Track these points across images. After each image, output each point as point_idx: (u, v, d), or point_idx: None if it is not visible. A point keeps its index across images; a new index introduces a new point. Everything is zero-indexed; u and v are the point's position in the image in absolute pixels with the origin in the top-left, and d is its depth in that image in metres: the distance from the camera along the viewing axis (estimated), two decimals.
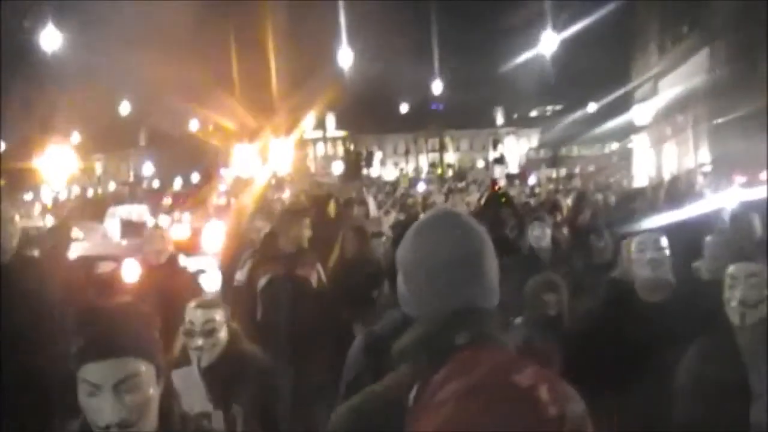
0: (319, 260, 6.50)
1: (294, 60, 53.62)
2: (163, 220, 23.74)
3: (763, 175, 19.89)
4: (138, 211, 25.11)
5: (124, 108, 50.90)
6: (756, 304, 3.29)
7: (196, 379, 3.79)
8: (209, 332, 3.84)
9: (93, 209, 26.38)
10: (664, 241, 4.29)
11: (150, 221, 21.11)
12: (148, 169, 68.14)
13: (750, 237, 7.10)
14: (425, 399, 1.72)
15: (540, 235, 6.75)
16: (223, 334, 3.89)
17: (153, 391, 2.10)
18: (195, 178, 61.92)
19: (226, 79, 53.15)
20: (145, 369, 2.07)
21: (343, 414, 1.90)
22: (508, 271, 5.52)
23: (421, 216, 2.42)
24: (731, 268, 3.39)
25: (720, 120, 25.50)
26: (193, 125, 57.58)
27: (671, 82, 33.92)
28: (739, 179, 20.38)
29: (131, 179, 65.64)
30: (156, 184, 61.82)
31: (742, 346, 3.31)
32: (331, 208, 9.71)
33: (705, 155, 27.83)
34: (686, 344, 3.50)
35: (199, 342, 3.82)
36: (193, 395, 3.64)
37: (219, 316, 3.90)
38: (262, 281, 5.98)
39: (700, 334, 3.50)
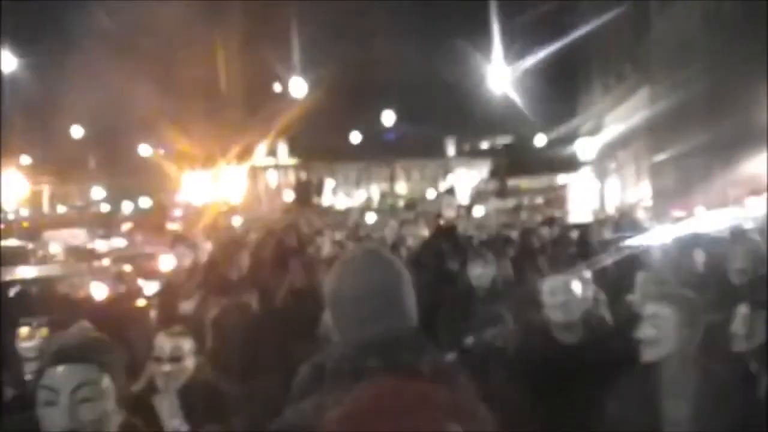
0: (270, 288, 6.72)
1: (246, 88, 53.70)
2: (119, 242, 23.72)
3: (698, 211, 20.61)
4: (75, 235, 25.04)
5: (76, 131, 50.53)
6: (655, 343, 3.38)
7: (174, 401, 3.98)
8: (177, 359, 4.07)
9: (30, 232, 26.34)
10: (575, 285, 4.39)
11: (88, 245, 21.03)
12: (97, 193, 67.28)
13: (677, 272, 7.46)
14: (322, 424, 1.88)
15: (480, 274, 6.60)
16: (189, 362, 4.14)
17: (110, 408, 2.13)
18: (144, 202, 61.40)
19: (178, 104, 52.98)
20: (104, 382, 2.11)
21: (274, 429, 2.16)
22: (447, 304, 5.89)
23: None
24: (638, 307, 3.65)
25: (659, 157, 26.21)
26: (144, 150, 57.19)
27: (614, 119, 34.66)
28: (677, 214, 21.08)
29: (79, 203, 64.74)
30: (105, 208, 61.17)
31: (654, 382, 3.38)
32: (292, 239, 9.93)
33: (646, 190, 28.51)
34: (601, 383, 3.56)
35: (167, 368, 4.04)
36: (172, 415, 3.87)
37: (186, 344, 4.15)
38: (213, 311, 6.06)
39: (615, 372, 3.57)
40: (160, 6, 40.18)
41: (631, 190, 31.82)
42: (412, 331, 2.16)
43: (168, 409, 3.97)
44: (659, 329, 3.36)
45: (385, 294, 2.12)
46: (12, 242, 20.39)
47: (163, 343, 4.12)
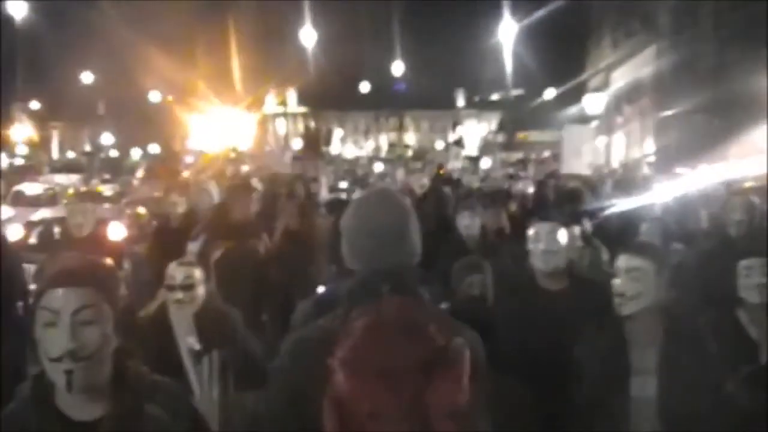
0: (267, 233, 6.83)
1: (257, 35, 53.55)
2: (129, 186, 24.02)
3: (702, 168, 20.90)
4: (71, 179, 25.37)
5: (86, 77, 50.68)
6: (634, 297, 3.40)
7: (190, 322, 4.15)
8: (189, 287, 4.21)
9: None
10: (560, 232, 4.36)
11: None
12: (106, 139, 67.50)
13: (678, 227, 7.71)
14: (347, 331, 2.18)
15: (469, 224, 6.62)
16: (201, 291, 4.27)
17: (109, 333, 2.16)
18: (153, 149, 61.59)
19: (189, 52, 52.90)
20: (105, 306, 2.15)
21: (290, 340, 2.42)
22: (441, 252, 6.00)
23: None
24: (618, 261, 3.53)
25: (665, 113, 26.41)
26: (154, 97, 57.22)
27: (622, 75, 34.77)
28: (681, 171, 21.37)
29: (89, 149, 64.92)
30: (114, 154, 61.38)
31: (628, 332, 3.43)
32: (296, 187, 10.19)
33: (650, 146, 28.76)
34: (582, 331, 3.62)
35: (180, 295, 4.19)
36: (188, 335, 4.05)
37: (198, 273, 4.28)
38: (217, 253, 6.15)
39: (595, 321, 3.61)
40: None
41: (636, 145, 32.03)
42: (416, 263, 2.47)
43: (183, 329, 4.14)
44: (640, 282, 3.39)
45: (395, 228, 2.42)
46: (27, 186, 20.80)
47: (175, 272, 4.24)
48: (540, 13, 36.00)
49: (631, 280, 3.40)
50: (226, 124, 51.10)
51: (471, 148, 63.06)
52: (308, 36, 38.52)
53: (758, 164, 17.47)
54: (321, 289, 4.85)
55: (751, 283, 3.94)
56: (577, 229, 5.67)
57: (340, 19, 50.11)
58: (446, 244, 6.38)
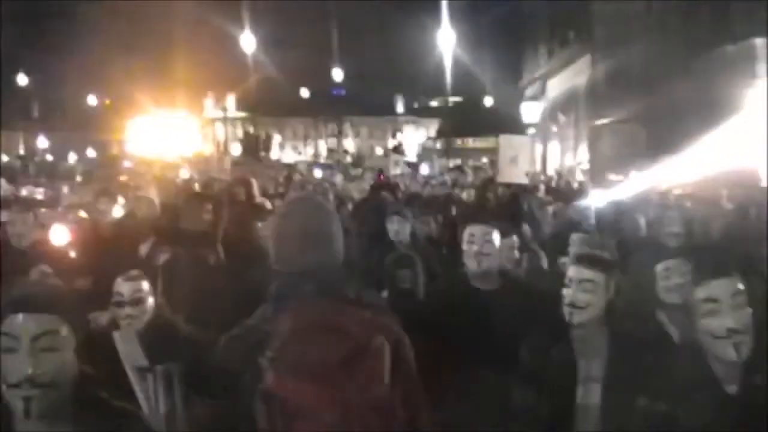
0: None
1: (197, 40, 53.24)
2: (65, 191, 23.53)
3: (633, 176, 21.50)
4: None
5: (21, 79, 49.80)
6: (585, 307, 3.42)
7: (134, 339, 3.92)
8: (137, 301, 4.16)
9: None
10: (494, 234, 4.44)
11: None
12: (41, 142, 66.21)
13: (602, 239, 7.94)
14: (275, 331, 2.37)
15: (398, 229, 6.66)
16: (149, 304, 4.22)
17: (69, 358, 2.16)
18: (90, 153, 60.65)
19: (128, 55, 52.32)
20: (64, 331, 2.14)
21: (225, 339, 2.62)
22: (375, 255, 6.06)
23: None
24: (569, 271, 3.57)
25: (597, 122, 27.04)
26: (91, 100, 56.49)
27: (557, 84, 35.45)
28: (614, 178, 21.95)
29: (22, 153, 63.52)
30: (49, 158, 60.19)
31: (577, 337, 3.48)
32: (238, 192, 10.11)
33: (584, 155, 29.41)
34: (516, 331, 3.63)
35: (128, 311, 4.13)
36: (133, 353, 3.76)
37: (145, 286, 4.23)
38: (163, 257, 6.11)
39: (533, 324, 3.65)
40: None
41: (570, 153, 32.69)
42: (340, 264, 2.64)
43: (128, 348, 3.84)
44: (591, 294, 3.42)
45: (317, 233, 2.59)
46: None
47: (122, 287, 4.20)
48: (478, 21, 36.61)
49: (582, 291, 3.43)
50: (165, 128, 50.70)
51: (410, 155, 63.33)
52: (248, 42, 38.54)
53: (687, 172, 18.13)
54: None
55: (670, 284, 3.97)
56: (513, 234, 5.76)
57: (279, 25, 50.12)
58: (378, 249, 6.45)
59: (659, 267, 4.07)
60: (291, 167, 40.28)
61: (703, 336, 2.72)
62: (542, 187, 15.51)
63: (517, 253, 5.75)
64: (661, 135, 20.68)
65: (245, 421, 2.40)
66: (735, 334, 2.63)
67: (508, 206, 10.90)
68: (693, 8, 21.16)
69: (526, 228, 7.87)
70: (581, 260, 3.56)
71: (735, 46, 18.17)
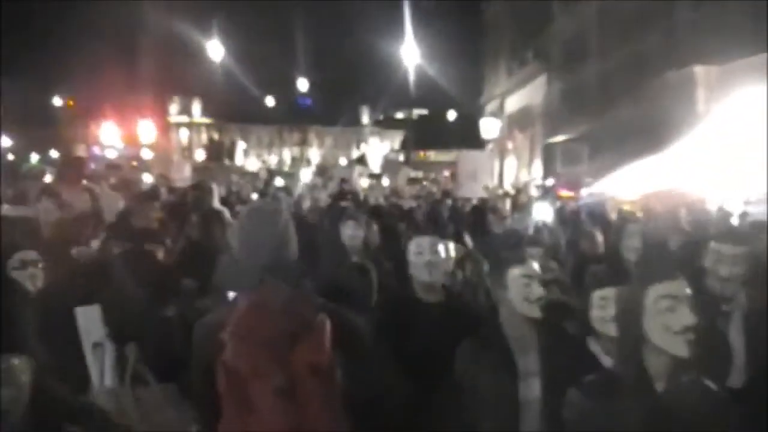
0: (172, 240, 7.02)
1: (164, 45, 53.33)
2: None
3: (583, 191, 22.23)
4: None
5: None
6: (543, 299, 3.58)
7: (96, 316, 4.22)
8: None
9: None
10: (440, 246, 4.56)
11: None
12: (3, 142, 65.45)
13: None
14: (234, 310, 2.75)
15: (353, 234, 6.59)
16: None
17: (25, 378, 2.36)
18: (54, 154, 60.19)
19: (94, 57, 52.22)
20: (17, 361, 2.33)
21: (196, 326, 3.00)
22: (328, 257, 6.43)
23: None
24: (521, 270, 3.65)
25: (551, 140, 27.85)
26: (56, 101, 56.18)
27: (515, 102, 36.34)
28: (565, 193, 22.64)
29: None
30: (10, 158, 59.56)
31: (512, 335, 3.59)
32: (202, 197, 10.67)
33: (538, 171, 30.22)
34: (459, 340, 3.69)
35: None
36: (92, 329, 4.08)
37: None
38: (115, 252, 6.25)
39: (473, 329, 3.72)
40: None
41: (525, 169, 33.53)
42: (293, 260, 3.01)
43: (89, 324, 4.12)
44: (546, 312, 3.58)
45: (273, 232, 2.99)
46: None
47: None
48: (443, 36, 37.21)
49: (540, 285, 3.60)
50: (131, 131, 50.62)
51: (375, 166, 63.35)
52: (215, 49, 38.94)
53: (635, 188, 18.85)
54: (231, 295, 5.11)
55: (606, 314, 3.63)
56: (458, 245, 6.01)
57: (247, 33, 50.47)
58: (332, 253, 6.58)
59: (596, 294, 3.77)
60: (254, 174, 40.67)
61: (655, 331, 2.75)
62: (508, 202, 15.93)
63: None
64: (607, 154, 21.42)
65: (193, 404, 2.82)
66: (688, 332, 2.71)
67: (472, 219, 11.32)
68: (640, 35, 22.08)
69: (467, 238, 8.05)
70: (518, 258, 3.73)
71: (677, 72, 19.02)
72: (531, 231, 8.84)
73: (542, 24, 30.86)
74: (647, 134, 18.60)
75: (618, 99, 22.73)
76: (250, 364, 2.55)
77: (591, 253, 7.70)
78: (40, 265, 5.00)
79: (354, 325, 3.00)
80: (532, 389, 3.48)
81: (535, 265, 3.68)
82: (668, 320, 2.74)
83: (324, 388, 2.60)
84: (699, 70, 18.35)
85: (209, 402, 2.71)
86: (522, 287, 3.60)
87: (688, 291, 2.80)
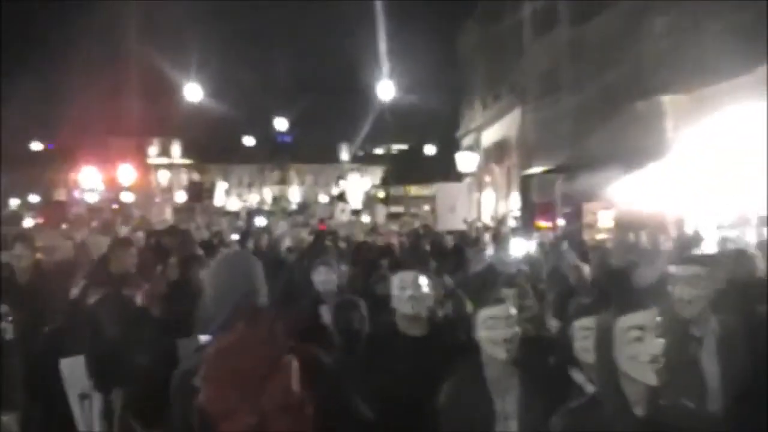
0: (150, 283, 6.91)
1: (142, 87, 53.62)
2: None
3: (560, 222, 22.53)
4: None
5: None
6: (514, 341, 3.65)
7: (80, 366, 4.27)
8: None
9: None
10: (423, 280, 4.66)
11: None
12: None
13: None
14: (206, 354, 2.87)
15: (325, 279, 6.55)
16: None
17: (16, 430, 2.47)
18: (33, 199, 60.13)
19: (73, 101, 52.44)
20: (5, 418, 2.52)
21: (175, 375, 3.04)
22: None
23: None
24: (489, 311, 3.73)
25: (526, 172, 28.19)
26: (35, 146, 56.27)
27: (491, 135, 36.73)
28: (542, 224, 22.94)
29: None
30: None
31: (490, 376, 3.67)
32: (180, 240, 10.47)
33: (515, 203, 30.53)
34: (442, 375, 3.78)
35: None
36: (78, 380, 4.10)
37: None
38: (93, 298, 6.36)
39: (455, 365, 3.82)
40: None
41: (503, 201, 33.83)
42: (264, 305, 3.15)
43: (74, 375, 4.33)
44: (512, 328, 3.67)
45: (243, 279, 3.15)
46: None
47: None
48: (419, 71, 37.64)
49: (510, 326, 3.67)
50: (111, 173, 50.70)
51: (355, 202, 63.64)
52: (193, 91, 39.25)
53: (609, 215, 19.19)
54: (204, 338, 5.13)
55: (588, 344, 3.55)
56: (440, 280, 6.20)
57: (225, 73, 50.87)
58: (308, 295, 6.59)
59: (577, 324, 3.78)
60: (235, 214, 40.89)
61: (625, 361, 2.82)
62: (486, 236, 16.15)
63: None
64: (580, 184, 21.73)
65: None
66: (656, 361, 2.78)
67: (453, 255, 11.37)
68: (609, 67, 22.52)
69: (447, 276, 8.15)
70: (502, 300, 3.83)
71: (645, 101, 19.40)
72: (512, 267, 8.75)
73: (515, 57, 31.30)
74: (618, 164, 18.92)
75: (590, 130, 23.13)
76: (221, 406, 2.65)
77: (577, 284, 7.84)
78: (10, 318, 4.97)
79: (322, 363, 3.09)
80: (509, 430, 3.53)
81: (505, 307, 3.73)
82: (636, 350, 2.81)
83: (295, 427, 2.69)
84: (666, 99, 18.74)
85: None
86: (489, 329, 3.67)
87: (656, 320, 2.86)
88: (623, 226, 15.20)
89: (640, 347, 2.80)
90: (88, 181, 46.56)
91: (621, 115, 20.81)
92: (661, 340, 2.83)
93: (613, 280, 7.39)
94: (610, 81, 22.39)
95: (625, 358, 2.83)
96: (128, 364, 5.08)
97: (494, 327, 3.65)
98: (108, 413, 4.04)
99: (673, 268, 4.28)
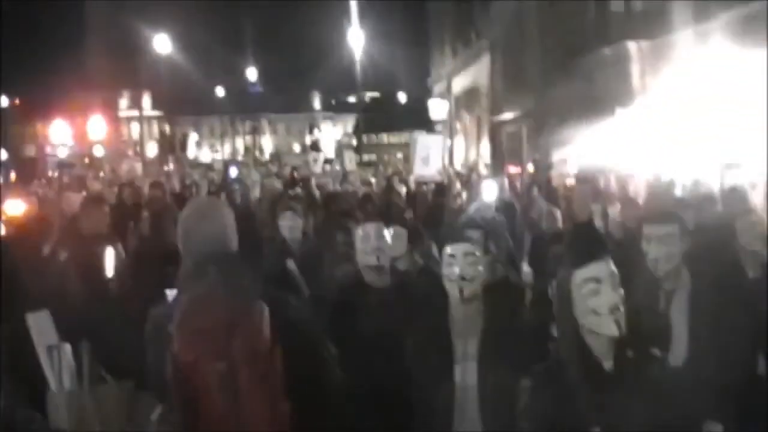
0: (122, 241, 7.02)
1: (111, 39, 52.96)
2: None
3: (529, 167, 22.81)
4: None
5: None
6: (472, 279, 3.57)
7: (47, 319, 4.07)
8: None
9: None
10: (386, 232, 4.68)
11: None
12: None
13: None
14: (179, 303, 2.88)
15: (292, 225, 6.58)
16: None
17: None
18: (2, 155, 59.40)
19: (40, 53, 51.73)
20: None
21: (150, 321, 3.14)
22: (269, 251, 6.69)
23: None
24: (448, 249, 3.65)
25: (497, 119, 28.42)
26: (2, 101, 55.49)
27: (461, 82, 36.76)
28: (512, 169, 23.18)
29: None
30: None
31: (456, 318, 3.61)
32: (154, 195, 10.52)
33: (485, 149, 30.80)
34: (407, 323, 3.77)
35: None
36: (45, 333, 3.93)
37: None
38: (63, 256, 6.42)
39: (421, 313, 3.81)
40: None
41: (473, 149, 34.08)
42: (233, 253, 3.15)
43: (41, 328, 3.85)
44: (475, 266, 3.60)
45: (213, 227, 3.14)
46: None
47: None
48: (390, 19, 37.45)
49: (468, 264, 3.58)
50: (81, 128, 50.21)
51: (329, 151, 63.35)
52: (162, 42, 38.94)
53: (576, 165, 19.44)
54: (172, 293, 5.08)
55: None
56: (412, 230, 6.14)
57: (194, 24, 50.35)
58: (270, 245, 6.54)
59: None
60: (208, 166, 40.78)
61: (584, 315, 2.78)
62: (457, 184, 16.24)
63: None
64: (549, 130, 22.00)
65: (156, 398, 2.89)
66: (616, 311, 2.73)
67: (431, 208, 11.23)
68: (573, 13, 22.67)
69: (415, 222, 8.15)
70: (456, 237, 3.74)
71: (610, 48, 19.61)
72: (487, 213, 8.57)
73: (483, 3, 31.23)
74: (586, 110, 19.14)
75: (557, 76, 23.30)
76: (192, 353, 2.69)
77: (551, 231, 7.87)
78: None
79: (293, 310, 3.14)
80: (469, 374, 3.50)
81: (463, 245, 3.64)
82: (594, 303, 2.76)
83: (264, 372, 2.72)
84: (632, 45, 18.92)
85: (167, 393, 2.84)
86: (447, 266, 3.63)
87: (611, 269, 2.81)
88: (587, 175, 15.40)
89: (597, 299, 2.76)
90: (58, 136, 45.98)
91: (588, 62, 21.02)
92: (620, 290, 2.79)
93: (576, 231, 7.50)
94: (576, 27, 22.53)
95: (584, 312, 2.79)
96: (96, 318, 5.03)
97: (450, 264, 3.61)
98: (78, 364, 3.80)
99: (646, 227, 4.17)
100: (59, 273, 6.19)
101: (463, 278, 3.55)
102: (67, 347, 3.24)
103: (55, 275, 6.11)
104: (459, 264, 3.57)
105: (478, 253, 3.64)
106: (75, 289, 6.03)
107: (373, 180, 19.62)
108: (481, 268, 3.63)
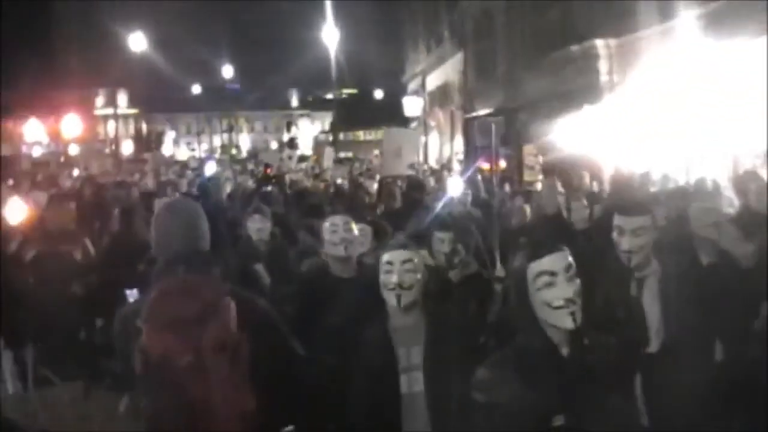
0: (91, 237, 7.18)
1: (87, 36, 52.67)
2: None
3: (501, 163, 23.04)
4: None
5: None
6: (410, 287, 3.57)
7: None
8: None
9: None
10: (354, 224, 4.79)
11: None
12: None
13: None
14: (148, 299, 2.82)
15: (260, 227, 6.63)
16: None
17: None
18: None
19: (12, 52, 51.35)
20: None
21: (119, 317, 3.21)
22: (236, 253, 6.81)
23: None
24: (386, 256, 3.68)
25: (469, 115, 28.65)
26: None
27: (435, 79, 37.00)
28: (484, 166, 23.41)
29: None
30: None
31: (396, 327, 3.61)
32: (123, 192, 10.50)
33: (459, 146, 31.04)
34: (371, 316, 3.74)
35: None
36: None
37: None
38: (29, 255, 6.53)
39: (380, 305, 3.75)
40: None
41: (447, 145, 34.27)
42: (206, 251, 3.25)
43: None
44: (413, 274, 3.63)
45: (185, 227, 3.24)
46: None
47: None
48: (364, 16, 37.53)
49: (405, 272, 3.60)
50: (56, 126, 49.90)
51: (306, 148, 63.36)
52: (138, 40, 38.87)
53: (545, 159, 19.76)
54: (132, 294, 4.74)
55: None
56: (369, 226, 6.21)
57: (169, 22, 50.23)
58: (237, 247, 6.63)
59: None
60: (184, 163, 40.70)
61: (540, 307, 2.78)
62: (431, 180, 16.44)
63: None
64: (519, 126, 22.29)
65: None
66: (571, 304, 2.73)
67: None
68: (541, 12, 22.97)
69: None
70: (396, 244, 3.80)
71: (579, 45, 19.88)
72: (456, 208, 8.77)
73: (454, 1, 31.42)
74: (555, 106, 19.43)
75: (526, 73, 23.59)
76: (160, 346, 2.68)
77: (519, 226, 7.99)
78: None
79: (258, 306, 3.22)
80: (415, 383, 3.50)
81: (400, 252, 3.65)
82: (547, 296, 2.77)
83: (231, 365, 2.73)
84: (600, 43, 19.21)
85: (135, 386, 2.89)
86: (383, 274, 3.64)
87: (568, 262, 2.82)
88: (553, 169, 15.65)
89: (549, 293, 2.77)
90: (33, 135, 45.65)
91: (557, 59, 21.28)
92: (577, 283, 2.80)
93: (536, 225, 7.54)
94: (543, 25, 22.83)
95: (538, 305, 2.80)
96: (40, 319, 5.13)
97: (388, 272, 3.61)
98: (21, 370, 4.05)
99: (617, 219, 4.24)
100: (23, 271, 6.29)
101: (400, 286, 3.56)
102: (8, 353, 3.26)
103: (19, 274, 6.17)
104: (396, 271, 3.58)
105: (416, 260, 3.64)
106: (38, 288, 6.12)
107: (340, 179, 19.63)
108: (419, 276, 3.62)
